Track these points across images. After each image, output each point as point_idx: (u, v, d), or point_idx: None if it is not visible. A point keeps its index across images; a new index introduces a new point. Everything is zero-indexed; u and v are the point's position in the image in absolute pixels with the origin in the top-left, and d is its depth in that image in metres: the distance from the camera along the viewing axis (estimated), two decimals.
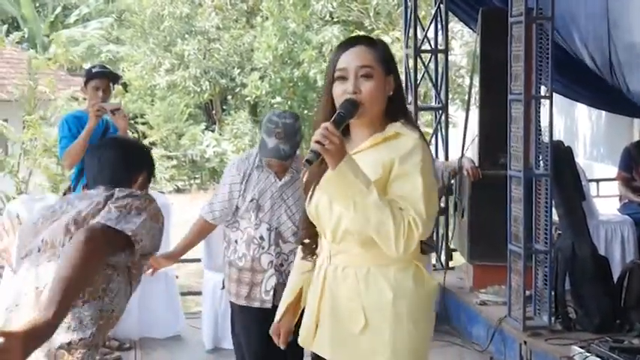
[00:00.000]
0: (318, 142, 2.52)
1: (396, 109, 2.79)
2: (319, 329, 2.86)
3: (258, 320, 4.25)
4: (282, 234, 4.31)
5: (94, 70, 5.97)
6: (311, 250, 2.97)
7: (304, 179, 2.90)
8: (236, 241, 4.36)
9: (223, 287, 4.53)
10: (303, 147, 4.58)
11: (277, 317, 3.15)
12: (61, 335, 2.54)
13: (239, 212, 4.34)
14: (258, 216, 4.30)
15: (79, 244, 2.50)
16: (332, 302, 2.81)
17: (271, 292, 4.28)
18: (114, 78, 6.08)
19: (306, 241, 2.97)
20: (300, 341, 2.98)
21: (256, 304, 4.30)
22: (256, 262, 4.30)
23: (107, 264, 2.70)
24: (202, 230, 4.57)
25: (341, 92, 2.72)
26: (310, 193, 2.85)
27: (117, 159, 3.04)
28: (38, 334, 2.29)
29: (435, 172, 2.87)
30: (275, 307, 4.05)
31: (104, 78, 5.89)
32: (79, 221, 2.74)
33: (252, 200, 4.30)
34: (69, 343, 2.57)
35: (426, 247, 2.96)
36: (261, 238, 4.30)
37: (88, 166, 3.09)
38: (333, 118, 2.63)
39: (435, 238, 7.51)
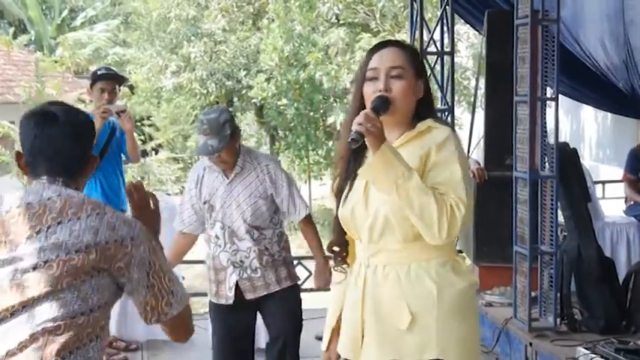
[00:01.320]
0: (360, 124, 2.59)
1: (424, 111, 2.84)
2: (366, 335, 2.82)
3: (221, 317, 4.54)
4: (236, 231, 4.38)
5: (99, 73, 6.01)
6: (341, 258, 2.98)
7: (336, 186, 2.94)
8: (206, 242, 4.55)
9: None
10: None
11: (324, 345, 3.06)
12: None
13: (201, 215, 4.49)
14: (212, 216, 4.39)
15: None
16: (374, 304, 2.79)
17: (233, 289, 4.41)
18: (119, 80, 6.11)
19: (336, 248, 2.96)
20: (346, 353, 2.90)
21: (222, 301, 4.47)
22: (217, 260, 4.43)
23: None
24: (180, 244, 4.63)
25: (372, 91, 2.78)
26: (344, 196, 2.88)
27: (71, 143, 2.54)
28: None
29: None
30: (237, 302, 4.42)
31: (110, 80, 5.94)
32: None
33: (205, 202, 4.40)
34: None
35: None
36: (217, 236, 4.41)
37: (31, 141, 2.51)
38: (370, 107, 2.71)
39: None
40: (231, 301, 4.42)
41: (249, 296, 4.42)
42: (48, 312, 2.34)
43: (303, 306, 7.98)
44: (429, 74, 7.74)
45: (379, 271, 2.79)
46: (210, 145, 4.17)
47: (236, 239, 4.37)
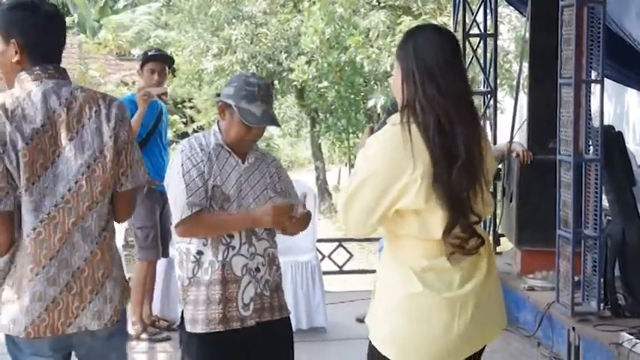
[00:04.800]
0: None
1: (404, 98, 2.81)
2: None
3: (237, 348, 3.45)
4: (254, 229, 3.47)
5: (150, 54, 6.10)
6: None
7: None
8: (198, 252, 3.42)
9: None
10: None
11: None
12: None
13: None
14: (224, 207, 3.41)
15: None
16: None
17: (251, 306, 3.43)
18: (169, 61, 6.19)
19: None
20: None
21: (236, 325, 3.41)
22: (227, 269, 3.39)
23: None
24: None
25: None
26: None
27: (64, 32, 2.98)
28: None
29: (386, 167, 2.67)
30: (259, 324, 3.44)
31: (160, 61, 6.03)
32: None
33: (213, 188, 3.41)
34: None
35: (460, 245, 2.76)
36: (230, 236, 3.41)
37: (47, 38, 2.89)
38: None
39: (482, 223, 7.49)
40: (252, 322, 3.43)
41: (250, 320, 3.44)
42: (97, 223, 2.84)
43: (345, 288, 8.06)
44: (471, 57, 7.76)
45: None
46: (270, 114, 3.44)
47: (255, 239, 3.46)
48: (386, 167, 2.66)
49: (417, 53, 2.72)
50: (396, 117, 2.74)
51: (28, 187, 2.72)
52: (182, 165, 3.39)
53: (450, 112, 2.66)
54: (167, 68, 6.10)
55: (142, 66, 6.04)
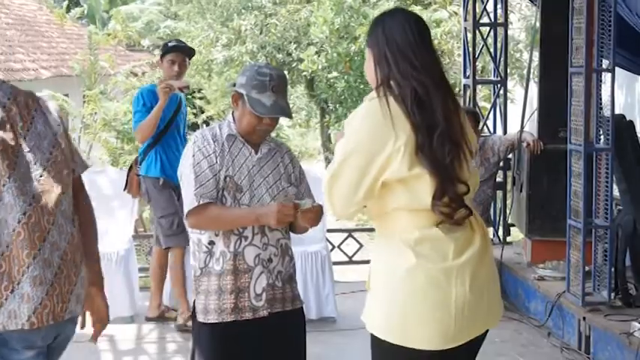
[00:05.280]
0: None
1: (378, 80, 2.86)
2: None
3: (249, 338, 3.46)
4: None
5: (170, 45, 6.10)
6: None
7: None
8: (210, 242, 3.44)
9: None
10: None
11: None
12: None
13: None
14: (237, 198, 3.41)
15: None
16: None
17: (263, 296, 3.42)
18: (189, 53, 6.18)
19: None
20: None
21: (248, 315, 3.42)
22: (239, 259, 3.40)
23: None
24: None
25: None
26: None
27: None
28: None
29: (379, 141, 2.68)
30: (272, 314, 3.43)
31: (180, 52, 6.02)
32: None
33: (226, 178, 3.42)
34: None
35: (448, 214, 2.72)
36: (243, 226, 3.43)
37: None
38: None
39: (492, 213, 7.49)
40: (264, 312, 3.42)
41: (263, 310, 3.44)
42: (69, 206, 2.92)
43: (354, 278, 8.06)
44: (481, 46, 7.74)
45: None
46: (281, 105, 3.40)
47: (267, 229, 3.43)
48: (366, 142, 2.69)
49: (388, 35, 2.79)
50: (372, 93, 2.78)
51: (11, 173, 2.76)
52: (193, 156, 3.41)
53: (426, 83, 2.72)
54: (187, 59, 6.08)
55: (162, 57, 6.03)
